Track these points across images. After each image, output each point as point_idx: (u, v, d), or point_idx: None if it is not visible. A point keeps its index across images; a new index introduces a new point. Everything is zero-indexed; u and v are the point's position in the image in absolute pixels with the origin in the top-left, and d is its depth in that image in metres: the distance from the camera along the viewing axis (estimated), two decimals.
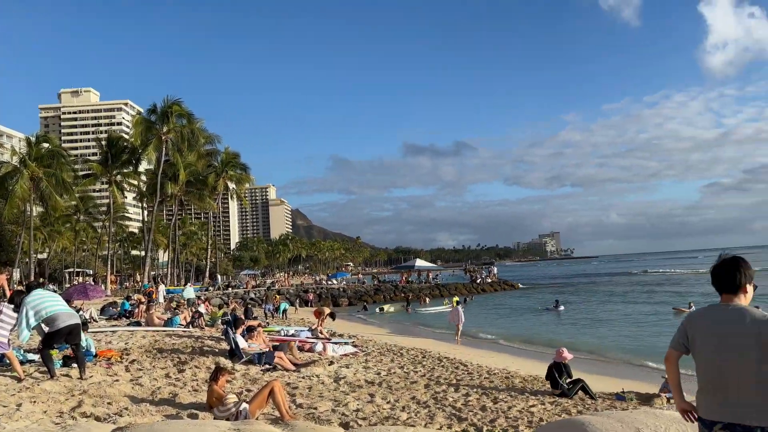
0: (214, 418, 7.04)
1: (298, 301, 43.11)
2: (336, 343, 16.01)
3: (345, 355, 14.51)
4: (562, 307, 35.68)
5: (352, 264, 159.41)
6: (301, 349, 14.49)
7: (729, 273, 3.42)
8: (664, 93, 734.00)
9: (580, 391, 10.38)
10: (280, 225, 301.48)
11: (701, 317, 3.44)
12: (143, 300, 24.81)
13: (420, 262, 69.09)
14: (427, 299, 47.01)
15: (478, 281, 63.99)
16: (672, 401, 9.18)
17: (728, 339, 3.26)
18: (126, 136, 63.90)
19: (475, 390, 10.62)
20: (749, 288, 3.43)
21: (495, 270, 75.21)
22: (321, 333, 17.79)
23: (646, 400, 10.50)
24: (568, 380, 10.46)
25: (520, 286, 65.90)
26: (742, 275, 3.39)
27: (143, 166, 57.24)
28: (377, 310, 40.79)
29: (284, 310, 30.27)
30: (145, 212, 61.58)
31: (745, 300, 3.40)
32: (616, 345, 20.93)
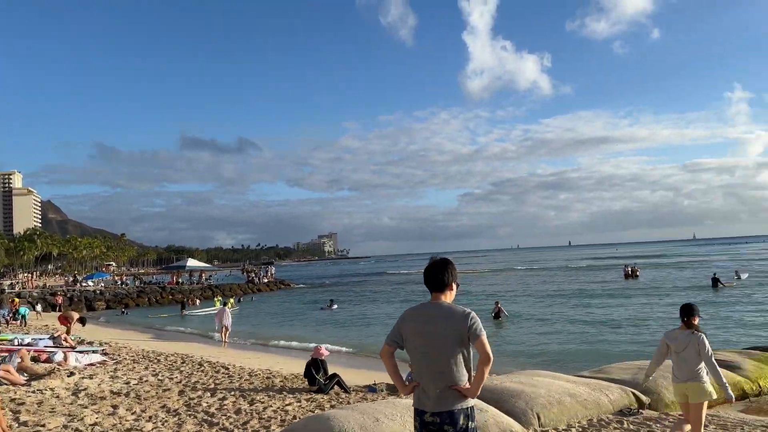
0: None
1: (40, 305, 37.97)
2: (81, 351, 14.42)
3: (91, 364, 13.13)
4: (335, 306, 36.93)
5: (114, 264, 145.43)
6: (36, 360, 12.76)
7: (438, 273, 3.79)
8: (431, 110, 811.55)
9: (335, 386, 10.79)
10: (26, 218, 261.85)
11: (412, 314, 3.77)
12: None
13: (192, 262, 65.95)
14: (198, 300, 45.09)
15: (256, 281, 63.40)
16: None
17: (434, 333, 3.61)
18: None
19: (232, 393, 10.40)
20: (454, 286, 3.86)
21: (272, 270, 75.26)
22: (66, 341, 15.86)
23: (394, 390, 11.33)
24: (325, 376, 10.82)
25: (295, 285, 66.87)
26: (449, 275, 3.79)
27: None
28: (149, 316, 37.81)
29: (23, 316, 26.54)
30: None
31: (450, 297, 3.81)
32: (375, 340, 22.31)
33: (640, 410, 8.36)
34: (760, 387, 10.14)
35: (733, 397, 6.24)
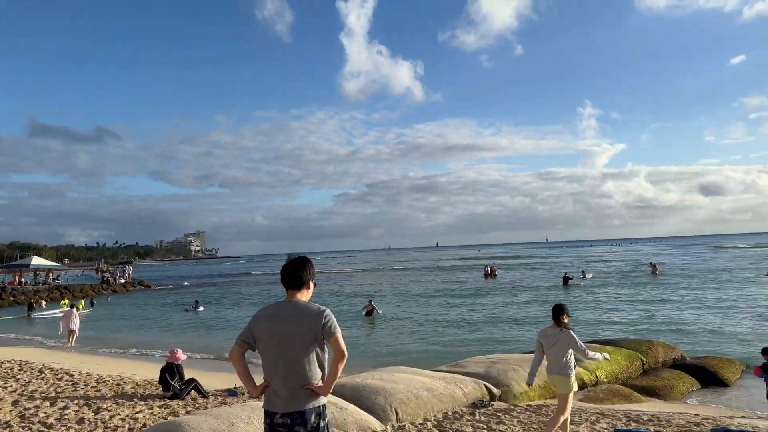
0: None
1: None
2: None
3: None
4: (201, 308, 35.35)
5: None
6: None
7: (295, 271, 3.72)
8: (308, 109, 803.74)
9: (192, 391, 10.29)
10: None
11: (266, 313, 3.65)
12: None
13: (38, 260, 59.86)
14: (44, 302, 41.10)
15: (111, 282, 59.15)
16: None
17: (289, 332, 3.53)
18: None
19: (76, 402, 9.55)
20: (311, 285, 3.80)
21: (130, 270, 70.68)
22: None
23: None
24: (181, 382, 10.28)
25: (156, 286, 63.25)
26: (306, 273, 3.73)
27: None
28: None
29: None
30: None
31: (307, 296, 3.75)
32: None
33: (492, 402, 8.85)
34: (596, 377, 11.20)
35: (607, 356, 7.26)
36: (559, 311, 6.57)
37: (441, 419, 7.80)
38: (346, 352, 3.54)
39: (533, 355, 6.85)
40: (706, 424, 7.70)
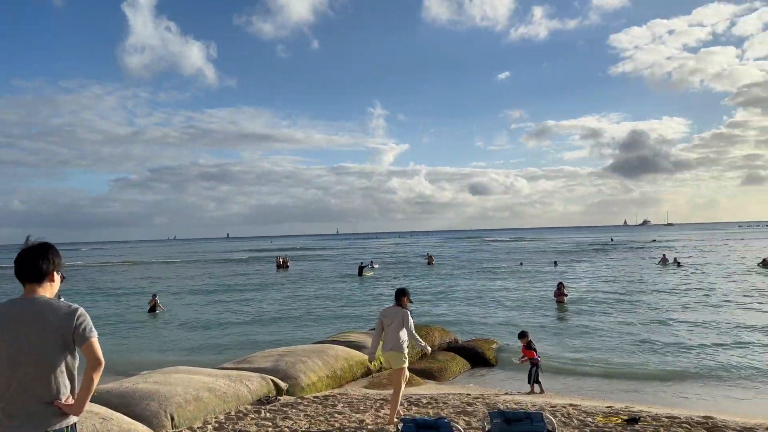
0: None
1: None
2: None
3: None
4: None
5: None
6: None
7: (34, 260, 2.99)
8: (81, 81, 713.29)
9: None
10: None
11: None
12: None
13: None
14: None
15: None
16: None
17: (27, 336, 2.81)
18: None
19: None
20: (56, 277, 3.10)
21: None
22: None
23: None
24: None
25: None
26: (49, 263, 3.01)
27: None
28: None
29: None
30: None
31: (51, 291, 3.04)
32: None
33: (278, 397, 8.55)
34: (381, 363, 11.55)
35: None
36: (401, 294, 7.25)
37: (223, 420, 7.27)
38: (102, 360, 2.94)
39: (372, 333, 7.85)
40: (477, 403, 8.32)
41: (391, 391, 7.44)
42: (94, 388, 2.93)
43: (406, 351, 7.10)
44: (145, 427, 6.47)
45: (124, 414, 6.58)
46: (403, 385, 7.16)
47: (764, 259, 38.11)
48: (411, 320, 7.16)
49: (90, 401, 6.91)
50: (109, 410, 6.46)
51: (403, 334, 7.09)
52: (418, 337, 7.29)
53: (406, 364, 7.16)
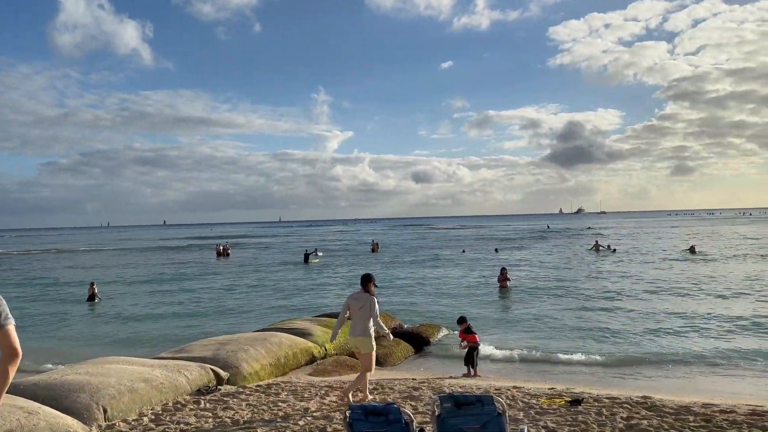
0: None
1: None
2: None
3: None
4: None
5: None
6: None
7: None
8: (6, 60, 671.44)
9: None
10: None
11: None
12: None
13: None
14: None
15: None
16: None
17: None
18: None
19: None
20: None
21: None
22: None
23: None
24: None
25: None
26: None
27: None
28: None
29: None
30: None
31: None
32: None
33: (219, 387, 8.25)
34: (326, 351, 11.37)
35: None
36: (367, 279, 7.33)
37: (160, 412, 6.94)
38: (19, 350, 2.66)
39: (337, 317, 7.72)
40: (423, 387, 8.28)
41: (335, 378, 7.37)
42: (9, 381, 2.65)
43: (373, 336, 7.24)
44: (75, 420, 6.08)
45: (52, 407, 6.17)
46: (372, 368, 7.33)
47: (692, 246, 40.14)
48: (377, 307, 7.29)
49: (15, 394, 6.46)
50: (36, 403, 6.04)
51: (371, 320, 7.22)
52: (382, 323, 7.40)
53: (374, 348, 7.30)
